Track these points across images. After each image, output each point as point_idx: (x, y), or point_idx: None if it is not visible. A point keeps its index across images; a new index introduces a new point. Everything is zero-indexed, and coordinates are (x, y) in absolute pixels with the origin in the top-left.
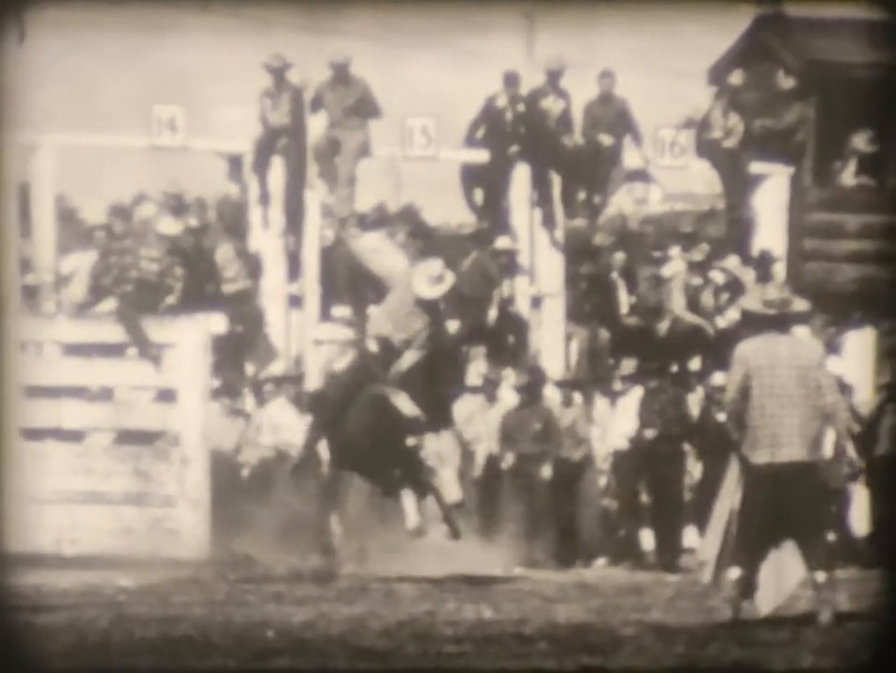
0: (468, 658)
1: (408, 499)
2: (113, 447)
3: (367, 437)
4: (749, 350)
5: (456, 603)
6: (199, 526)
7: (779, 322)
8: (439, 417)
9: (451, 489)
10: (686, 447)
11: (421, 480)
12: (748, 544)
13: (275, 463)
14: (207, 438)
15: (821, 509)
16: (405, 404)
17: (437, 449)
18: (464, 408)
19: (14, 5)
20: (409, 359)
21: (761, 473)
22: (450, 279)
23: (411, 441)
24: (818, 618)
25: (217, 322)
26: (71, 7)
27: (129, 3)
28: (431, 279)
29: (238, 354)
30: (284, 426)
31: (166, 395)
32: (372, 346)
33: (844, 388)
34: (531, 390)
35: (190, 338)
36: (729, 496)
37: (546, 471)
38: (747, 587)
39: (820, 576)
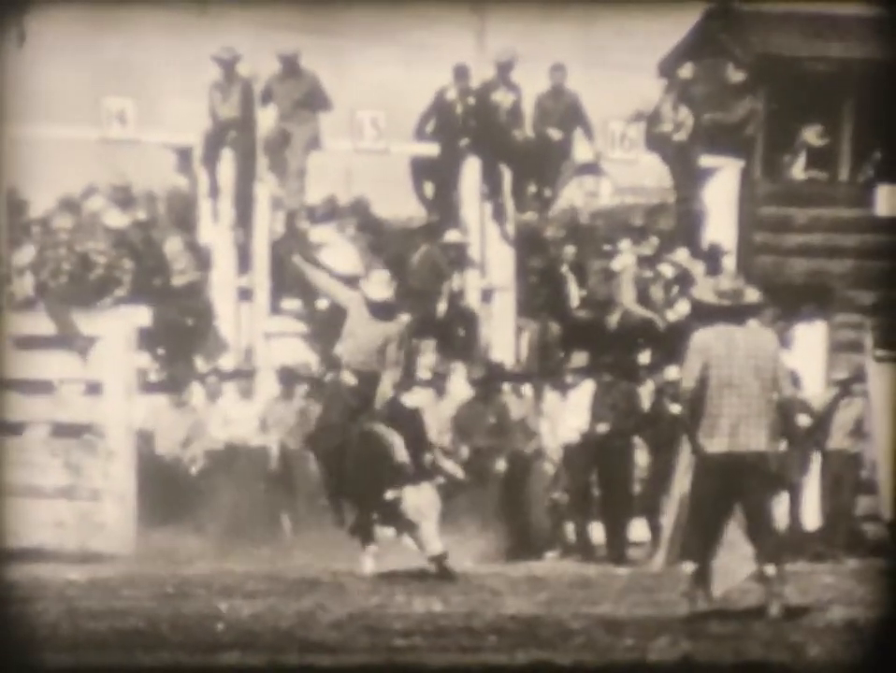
0: (417, 652)
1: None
2: (49, 440)
3: (359, 473)
4: (707, 340)
5: (406, 596)
6: (125, 520)
7: (732, 312)
8: (418, 463)
9: (432, 543)
10: (637, 440)
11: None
12: (699, 534)
13: (225, 457)
14: (131, 431)
15: (772, 502)
16: (398, 449)
17: (416, 503)
18: (413, 401)
19: (14, 6)
20: (389, 381)
21: (716, 462)
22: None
23: (390, 495)
24: (768, 611)
25: (142, 315)
26: (70, 6)
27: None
28: (381, 283)
29: (187, 347)
30: (236, 420)
31: (95, 389)
32: (349, 379)
33: (796, 381)
34: (487, 384)
35: (115, 331)
36: (680, 485)
37: (500, 465)
38: (701, 579)
39: (770, 569)
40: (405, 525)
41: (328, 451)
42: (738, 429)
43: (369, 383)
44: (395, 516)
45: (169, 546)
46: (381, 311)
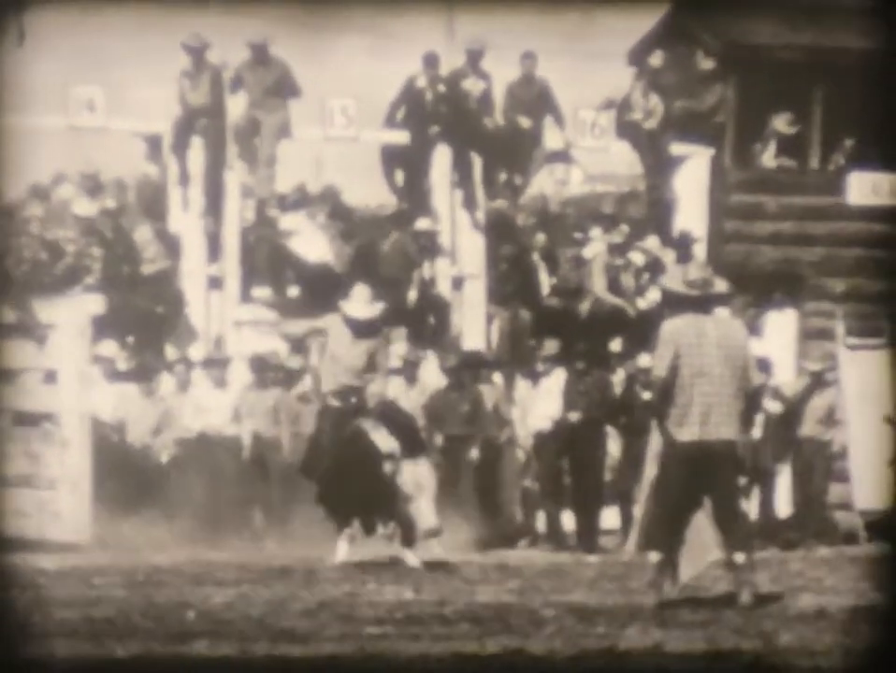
0: (389, 640)
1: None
2: (12, 428)
3: (345, 471)
4: (677, 329)
5: (377, 584)
6: (80, 509)
7: (700, 302)
8: (414, 443)
9: (428, 517)
10: (609, 428)
11: (397, 510)
12: (665, 523)
13: (197, 446)
14: (85, 420)
15: (741, 490)
16: (383, 440)
17: (414, 476)
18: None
19: (14, 5)
20: (377, 389)
21: (686, 451)
22: (379, 305)
23: (388, 468)
24: (739, 599)
25: (97, 304)
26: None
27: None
28: (362, 302)
29: (157, 335)
30: (209, 409)
31: (52, 377)
32: (333, 401)
33: (767, 368)
34: (461, 372)
35: (69, 319)
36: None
37: (474, 453)
38: (668, 568)
39: (739, 557)
40: (403, 501)
41: (323, 472)
42: (708, 418)
43: (355, 398)
44: (390, 493)
45: (139, 535)
46: (364, 330)
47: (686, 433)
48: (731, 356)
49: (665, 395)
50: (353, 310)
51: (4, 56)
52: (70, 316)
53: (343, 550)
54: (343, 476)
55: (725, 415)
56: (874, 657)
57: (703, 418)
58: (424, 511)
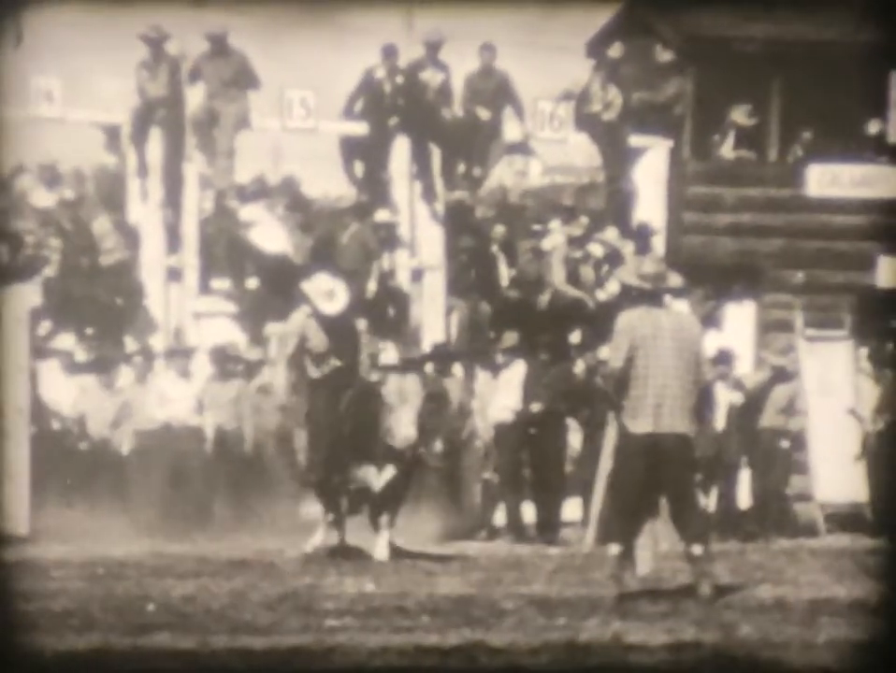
0: (349, 632)
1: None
2: None
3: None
4: (632, 321)
5: (338, 576)
6: (19, 501)
7: (654, 295)
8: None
9: (405, 428)
10: (570, 420)
11: (380, 453)
12: (623, 515)
13: (157, 438)
14: (23, 411)
15: (696, 483)
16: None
17: (399, 386)
18: None
19: (12, 5)
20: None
21: (640, 442)
22: (343, 294)
23: (374, 377)
24: (698, 591)
25: (34, 295)
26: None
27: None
28: (325, 294)
29: (116, 327)
30: (173, 399)
31: None
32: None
33: (730, 359)
34: (426, 364)
35: (7, 311)
36: (606, 464)
37: (438, 445)
38: (627, 560)
39: (697, 549)
40: (384, 411)
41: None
42: (662, 410)
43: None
44: (374, 401)
45: (99, 527)
46: (335, 325)
47: (641, 424)
48: (685, 350)
49: (620, 387)
50: (320, 306)
51: None
52: (8, 307)
53: (320, 535)
54: (346, 431)
55: (678, 408)
56: (834, 648)
57: (657, 410)
58: (403, 423)
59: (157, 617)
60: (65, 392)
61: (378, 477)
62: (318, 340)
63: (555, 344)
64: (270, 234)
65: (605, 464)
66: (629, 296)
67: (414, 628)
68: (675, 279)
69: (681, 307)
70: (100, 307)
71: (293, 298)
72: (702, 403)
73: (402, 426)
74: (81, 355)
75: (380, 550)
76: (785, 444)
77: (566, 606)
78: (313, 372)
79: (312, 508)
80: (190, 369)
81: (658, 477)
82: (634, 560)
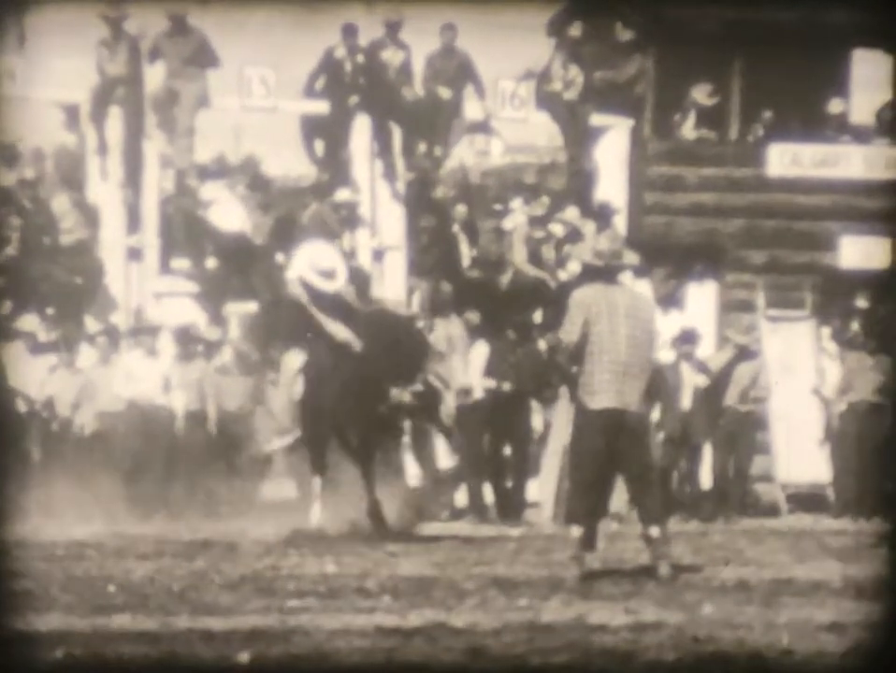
0: (310, 613)
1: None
2: None
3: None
4: (587, 297)
5: (299, 557)
6: None
7: (609, 272)
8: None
9: (460, 375)
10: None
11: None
12: (582, 495)
13: (119, 418)
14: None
15: (654, 463)
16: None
17: (447, 332)
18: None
19: (14, 6)
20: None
21: (597, 419)
22: (342, 270)
23: (421, 323)
24: (658, 571)
25: None
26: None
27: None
28: (322, 272)
29: (76, 307)
30: (140, 378)
31: None
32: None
33: (694, 338)
34: None
35: None
36: (560, 440)
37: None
38: (588, 541)
39: (654, 531)
40: (434, 358)
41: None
42: (616, 387)
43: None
44: (423, 352)
45: (58, 507)
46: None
47: (597, 400)
48: (639, 328)
49: (575, 362)
50: (321, 286)
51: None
52: None
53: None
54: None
55: (633, 386)
56: (796, 629)
57: (611, 386)
58: (456, 369)
59: (118, 598)
60: (31, 373)
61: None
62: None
63: (517, 324)
64: (229, 213)
65: (555, 440)
66: (586, 274)
67: (375, 609)
68: (632, 257)
69: (641, 286)
70: (60, 286)
71: (253, 278)
72: (655, 383)
73: (457, 374)
74: (44, 335)
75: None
76: (747, 425)
77: (528, 586)
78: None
79: (274, 490)
80: (157, 347)
81: (617, 455)
82: (595, 540)
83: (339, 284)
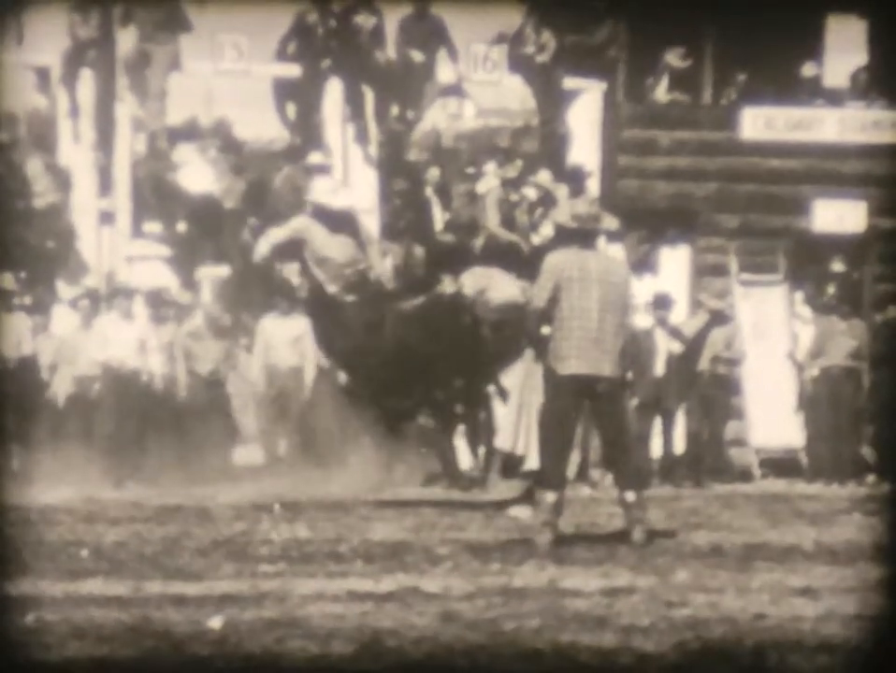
0: (283, 577)
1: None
2: None
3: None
4: (559, 262)
5: (271, 522)
6: None
7: (584, 236)
8: None
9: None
10: None
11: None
12: (554, 460)
13: (100, 381)
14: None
15: (628, 428)
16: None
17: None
18: (287, 326)
19: (13, 5)
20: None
21: (567, 384)
22: (350, 193)
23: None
24: (631, 537)
25: None
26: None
27: None
28: (329, 190)
29: (48, 270)
30: (115, 341)
31: None
32: (348, 296)
33: (669, 303)
34: None
35: None
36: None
37: None
38: (560, 506)
39: (630, 495)
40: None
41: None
42: (587, 353)
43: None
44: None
45: (30, 471)
46: (339, 224)
47: (566, 366)
48: (611, 293)
49: (541, 326)
50: (324, 199)
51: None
52: None
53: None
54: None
55: (603, 351)
56: (769, 593)
57: (582, 352)
58: None
59: (90, 563)
60: (8, 333)
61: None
62: (319, 242)
63: None
64: (199, 176)
65: (515, 400)
66: (563, 238)
67: (348, 574)
68: (611, 221)
69: (615, 251)
70: (33, 250)
71: (224, 242)
72: (628, 348)
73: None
74: (18, 299)
75: None
76: (721, 389)
77: (501, 551)
78: (329, 285)
79: (244, 455)
80: (133, 311)
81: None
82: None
83: (349, 200)
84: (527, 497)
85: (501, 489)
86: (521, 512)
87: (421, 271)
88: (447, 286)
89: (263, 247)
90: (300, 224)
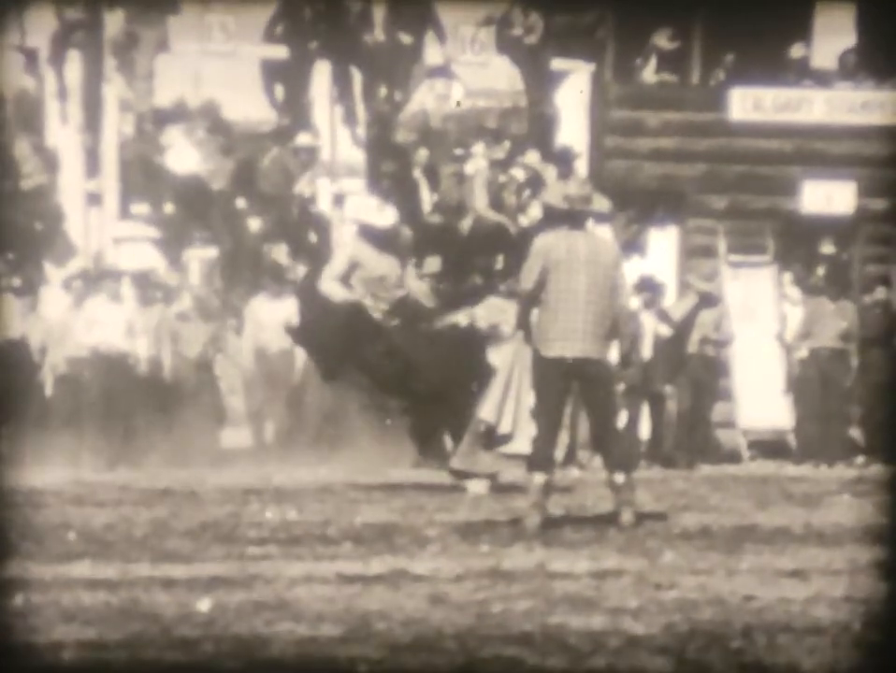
0: (272, 560)
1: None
2: None
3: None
4: (548, 244)
5: (260, 505)
6: None
7: (575, 217)
8: None
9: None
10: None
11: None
12: (544, 442)
13: (87, 363)
14: None
15: (617, 410)
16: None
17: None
18: (276, 309)
19: (14, 5)
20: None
21: (554, 366)
22: (391, 209)
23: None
24: (620, 518)
25: None
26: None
27: None
28: (374, 209)
29: (36, 251)
30: (103, 323)
31: None
32: (391, 320)
33: (653, 286)
34: None
35: None
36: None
37: None
38: (550, 488)
39: (619, 477)
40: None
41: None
42: (574, 335)
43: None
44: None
45: (18, 454)
46: (384, 242)
47: (553, 349)
48: (600, 275)
49: (530, 309)
50: (370, 218)
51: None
52: None
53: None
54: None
55: (591, 333)
56: (757, 574)
57: (568, 334)
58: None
59: (78, 545)
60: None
61: None
62: (372, 263)
63: (479, 269)
64: (186, 158)
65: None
66: (552, 219)
67: (337, 556)
68: (602, 202)
69: (603, 232)
70: (20, 232)
71: (212, 223)
72: (617, 330)
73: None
74: (7, 281)
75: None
76: (709, 370)
77: (489, 533)
78: (376, 305)
79: (232, 438)
80: (121, 293)
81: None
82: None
83: (392, 219)
84: (489, 474)
85: (473, 461)
86: (476, 487)
87: (409, 252)
88: (462, 318)
89: (333, 288)
90: (353, 250)
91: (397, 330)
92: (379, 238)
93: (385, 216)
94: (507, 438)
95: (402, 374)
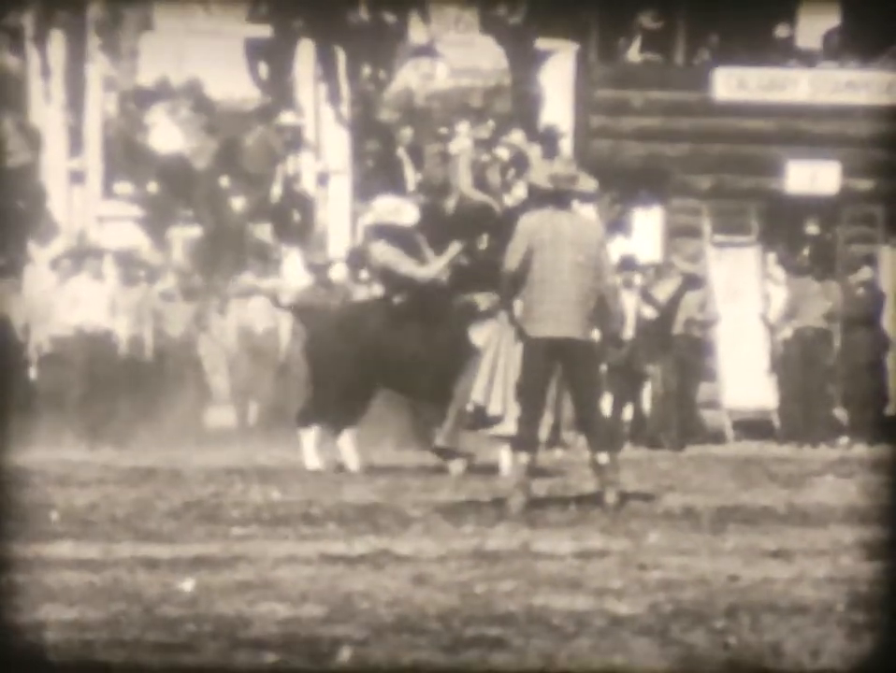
0: (255, 540)
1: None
2: None
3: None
4: (532, 224)
5: (244, 485)
6: None
7: (561, 197)
8: None
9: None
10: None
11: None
12: (530, 422)
13: (70, 342)
14: None
15: (601, 390)
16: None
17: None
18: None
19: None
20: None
21: (539, 346)
22: (412, 208)
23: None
24: (604, 499)
25: None
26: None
27: None
28: (394, 210)
29: (19, 231)
30: (85, 301)
31: None
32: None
33: (634, 265)
34: (327, 269)
35: None
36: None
37: None
38: (534, 468)
39: (602, 458)
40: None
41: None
42: (558, 315)
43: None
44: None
45: (4, 432)
46: (407, 242)
47: (538, 329)
48: (585, 255)
49: (514, 289)
50: (390, 217)
51: None
52: None
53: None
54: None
55: (576, 314)
56: (741, 555)
57: (553, 315)
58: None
59: (61, 526)
60: None
61: None
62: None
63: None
64: (169, 137)
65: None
66: (537, 199)
67: (321, 536)
68: (589, 182)
69: (587, 212)
70: (3, 211)
71: (195, 202)
72: (603, 310)
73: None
74: None
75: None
76: (694, 351)
77: (473, 513)
78: (397, 297)
79: (216, 417)
80: (103, 272)
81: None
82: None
83: (413, 217)
84: (467, 455)
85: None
86: (458, 466)
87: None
88: (481, 300)
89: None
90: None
91: (408, 311)
92: (401, 239)
93: (405, 215)
94: (498, 420)
95: (404, 354)
